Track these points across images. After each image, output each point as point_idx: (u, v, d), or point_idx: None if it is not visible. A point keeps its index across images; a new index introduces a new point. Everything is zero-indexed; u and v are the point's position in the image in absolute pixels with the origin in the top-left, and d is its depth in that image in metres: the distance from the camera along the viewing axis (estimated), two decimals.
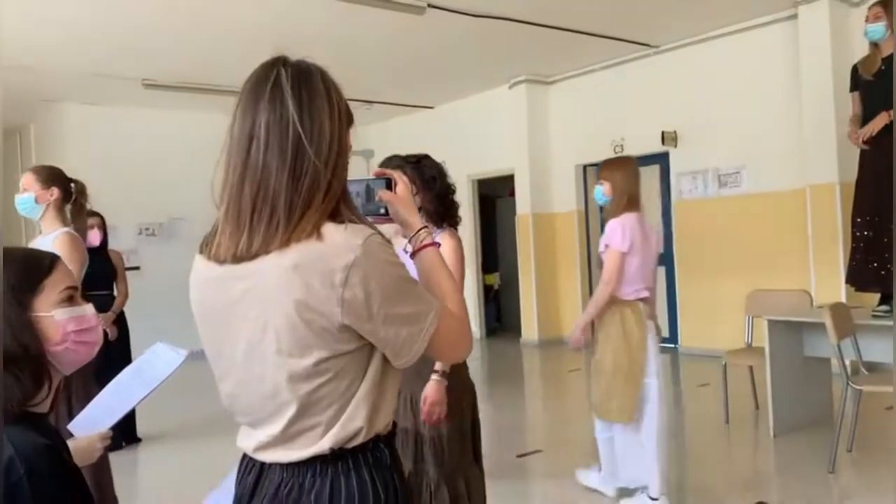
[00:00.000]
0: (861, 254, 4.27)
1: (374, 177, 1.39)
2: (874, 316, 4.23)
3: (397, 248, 1.28)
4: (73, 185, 3.03)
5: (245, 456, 1.32)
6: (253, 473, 1.28)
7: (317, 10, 6.11)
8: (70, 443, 1.39)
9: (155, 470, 4.88)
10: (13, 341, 1.16)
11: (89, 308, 1.28)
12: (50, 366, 1.22)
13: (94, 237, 4.99)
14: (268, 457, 1.25)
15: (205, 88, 8.45)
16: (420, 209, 2.70)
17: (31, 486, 1.07)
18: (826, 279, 6.25)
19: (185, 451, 5.01)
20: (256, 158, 1.19)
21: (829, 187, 6.30)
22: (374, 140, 11.39)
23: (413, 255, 1.37)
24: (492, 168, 9.57)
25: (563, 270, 9.04)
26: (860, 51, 4.44)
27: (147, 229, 9.38)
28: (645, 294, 3.58)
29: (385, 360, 1.23)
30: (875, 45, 4.28)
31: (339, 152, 1.22)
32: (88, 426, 1.63)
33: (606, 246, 3.49)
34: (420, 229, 1.36)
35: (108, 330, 4.70)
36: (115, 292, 5.11)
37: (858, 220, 4.33)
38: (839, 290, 5.83)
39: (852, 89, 4.44)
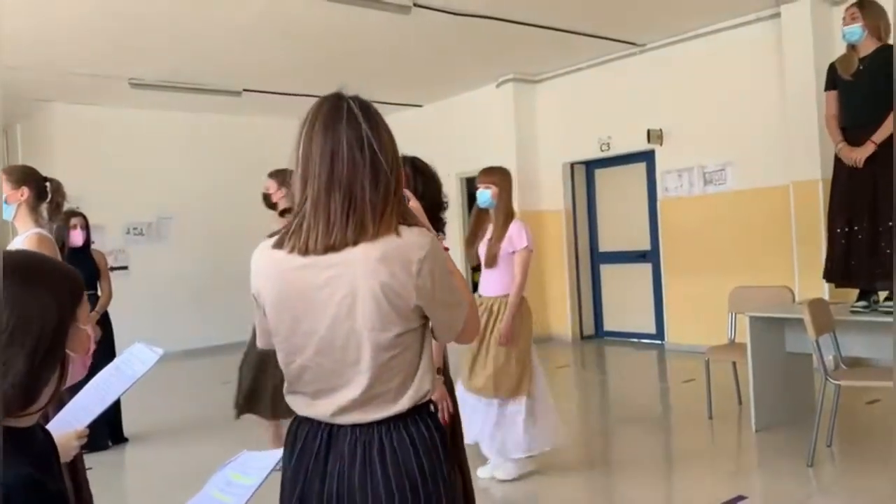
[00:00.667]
0: (838, 250, 4.32)
1: None
2: (853, 312, 4.28)
3: None
4: (48, 183, 3.00)
5: (303, 424, 1.55)
6: (322, 436, 1.51)
7: (303, 9, 6.13)
8: None
9: (142, 470, 4.90)
10: (59, 349, 1.16)
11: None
12: None
13: (77, 237, 4.99)
14: (346, 419, 1.49)
15: (192, 88, 8.45)
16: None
17: None
18: (809, 275, 6.31)
19: (171, 452, 5.03)
20: (340, 171, 1.45)
21: (812, 184, 6.37)
22: None
23: None
24: (480, 166, 9.51)
25: (550, 268, 9.09)
26: (841, 48, 4.48)
27: (135, 229, 9.38)
28: None
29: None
30: (852, 46, 4.32)
31: (398, 165, 1.52)
32: (66, 425, 1.65)
33: (523, 248, 3.92)
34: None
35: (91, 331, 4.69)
36: (99, 292, 5.11)
37: (835, 216, 4.38)
38: (821, 287, 5.89)
39: (828, 87, 4.46)
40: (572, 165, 8.99)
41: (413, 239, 1.46)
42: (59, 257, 2.95)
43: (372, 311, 1.43)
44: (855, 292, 4.46)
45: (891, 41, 4.25)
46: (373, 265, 1.42)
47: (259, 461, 1.57)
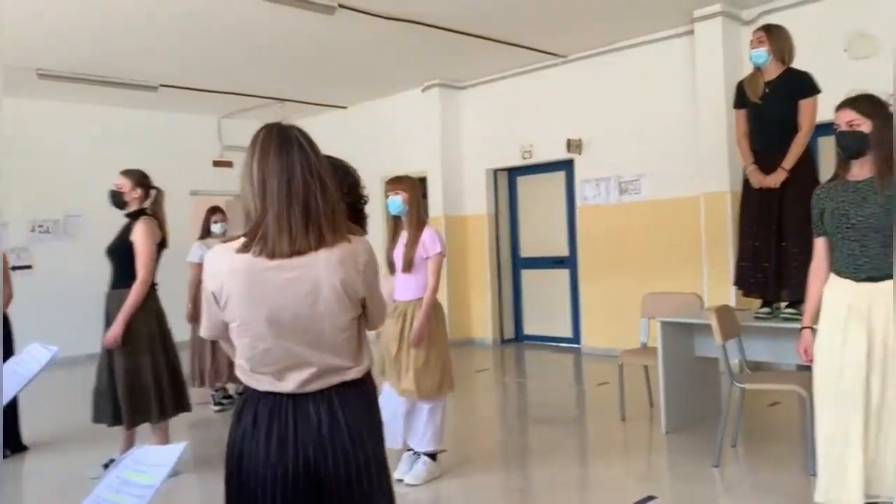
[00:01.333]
0: (748, 260, 4.53)
1: None
2: (757, 318, 4.49)
3: None
4: None
5: (263, 401, 1.83)
6: (286, 406, 1.82)
7: (223, 5, 5.99)
8: None
9: (42, 478, 4.65)
10: None
11: None
12: None
13: None
14: (310, 388, 1.82)
15: (106, 81, 8.12)
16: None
17: None
18: (717, 283, 6.60)
19: (75, 458, 4.79)
20: (297, 190, 1.79)
21: (721, 195, 6.66)
22: None
23: None
24: (404, 170, 9.46)
25: (473, 272, 9.18)
26: (750, 66, 4.68)
27: (41, 226, 8.93)
28: None
29: None
30: (758, 69, 4.53)
31: (335, 184, 1.89)
32: None
33: (436, 254, 4.03)
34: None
35: None
36: None
37: (745, 228, 4.59)
38: (729, 294, 6.16)
39: (737, 106, 4.64)
40: (496, 172, 9.11)
41: (360, 245, 1.87)
42: None
43: (332, 302, 1.80)
44: (759, 300, 4.68)
45: (794, 65, 4.49)
46: (333, 266, 1.80)
47: (156, 457, 1.51)
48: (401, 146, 9.60)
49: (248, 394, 1.86)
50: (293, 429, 1.81)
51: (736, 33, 6.72)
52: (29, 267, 8.67)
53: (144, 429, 4.29)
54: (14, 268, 5.22)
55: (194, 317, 5.76)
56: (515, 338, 9.20)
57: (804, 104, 4.32)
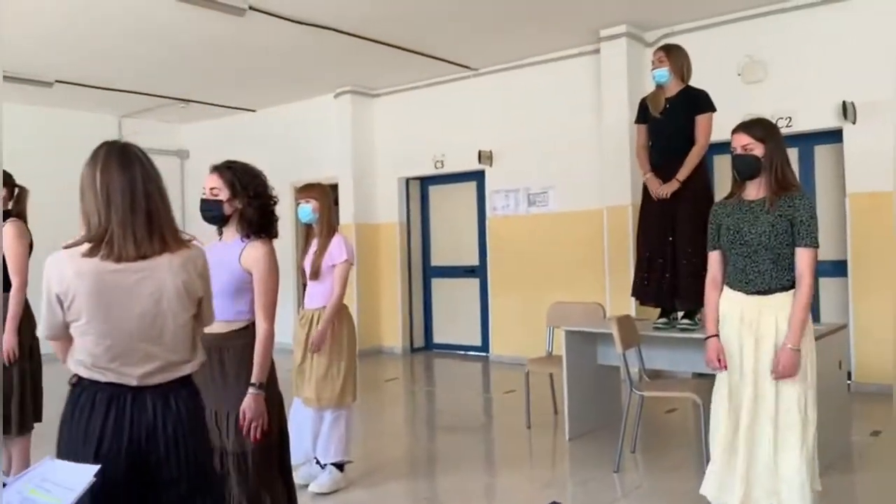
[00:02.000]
0: (644, 271, 4.72)
1: None
2: (655, 328, 4.68)
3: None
4: None
5: (101, 392, 1.95)
6: (125, 399, 1.96)
7: (131, 1, 5.77)
8: None
9: None
10: None
11: None
12: None
13: None
14: (150, 381, 1.98)
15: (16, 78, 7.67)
16: (240, 217, 2.75)
17: None
18: (618, 293, 6.82)
19: None
20: (141, 198, 1.97)
21: (622, 209, 6.91)
22: (191, 140, 10.90)
23: None
24: (315, 176, 9.35)
25: (384, 280, 9.15)
26: (653, 85, 4.91)
27: None
28: None
29: None
30: (660, 87, 4.76)
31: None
32: None
33: (342, 262, 4.01)
34: None
35: None
36: None
37: (641, 240, 4.80)
38: (630, 304, 6.39)
39: (639, 121, 4.88)
40: (408, 180, 9.13)
41: (197, 251, 2.11)
42: None
43: (175, 301, 2.02)
44: (658, 310, 4.88)
45: (692, 83, 4.74)
46: (176, 269, 2.02)
47: (67, 476, 1.42)
48: (312, 152, 9.47)
49: (84, 385, 1.97)
50: (129, 419, 1.95)
51: (639, 54, 7.00)
52: None
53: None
54: None
55: None
56: (425, 346, 9.23)
57: (700, 119, 4.57)
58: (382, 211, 9.20)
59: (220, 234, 2.85)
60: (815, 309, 5.84)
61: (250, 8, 6.00)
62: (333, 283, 4.01)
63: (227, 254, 2.72)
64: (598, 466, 4.36)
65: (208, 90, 8.96)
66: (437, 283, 9.15)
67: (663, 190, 4.56)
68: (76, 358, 1.98)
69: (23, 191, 4.11)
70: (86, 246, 1.94)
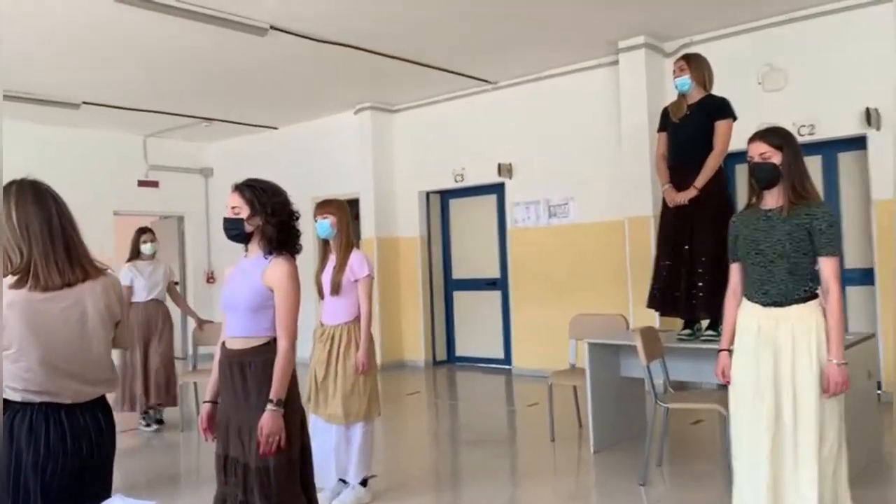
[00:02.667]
0: (662, 282, 4.69)
1: None
2: (679, 339, 4.65)
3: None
4: None
5: (37, 415, 2.07)
6: (60, 417, 2.10)
7: (154, 25, 5.88)
8: None
9: None
10: None
11: None
12: None
13: None
14: (81, 398, 2.16)
15: (24, 97, 7.82)
16: (261, 234, 2.75)
17: None
18: (641, 304, 6.69)
19: None
20: (57, 233, 2.14)
21: (644, 220, 6.88)
22: (215, 159, 11.05)
23: None
24: (336, 192, 9.45)
25: (405, 294, 9.18)
26: (671, 95, 4.90)
27: None
28: None
29: None
30: (682, 95, 4.75)
31: None
32: None
33: (365, 277, 4.03)
34: None
35: None
36: None
37: (659, 250, 4.77)
38: (653, 315, 6.34)
39: (661, 129, 4.87)
40: (428, 194, 9.17)
41: (114, 278, 2.30)
42: None
43: (99, 324, 2.20)
44: (682, 321, 4.84)
45: (714, 90, 4.72)
46: (98, 294, 2.20)
47: None
48: (333, 168, 9.56)
49: (16, 409, 2.06)
50: (69, 439, 2.10)
51: (658, 64, 6.99)
52: None
53: None
54: None
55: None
56: (448, 359, 9.22)
57: (720, 125, 4.54)
58: (403, 225, 9.24)
59: (246, 250, 2.88)
60: None
61: (271, 28, 6.09)
62: (360, 298, 4.03)
63: (251, 270, 2.76)
64: (623, 479, 4.32)
65: (231, 109, 9.09)
66: (459, 297, 9.15)
67: (681, 197, 4.54)
68: (8, 385, 2.05)
69: None
70: (11, 278, 2.07)
